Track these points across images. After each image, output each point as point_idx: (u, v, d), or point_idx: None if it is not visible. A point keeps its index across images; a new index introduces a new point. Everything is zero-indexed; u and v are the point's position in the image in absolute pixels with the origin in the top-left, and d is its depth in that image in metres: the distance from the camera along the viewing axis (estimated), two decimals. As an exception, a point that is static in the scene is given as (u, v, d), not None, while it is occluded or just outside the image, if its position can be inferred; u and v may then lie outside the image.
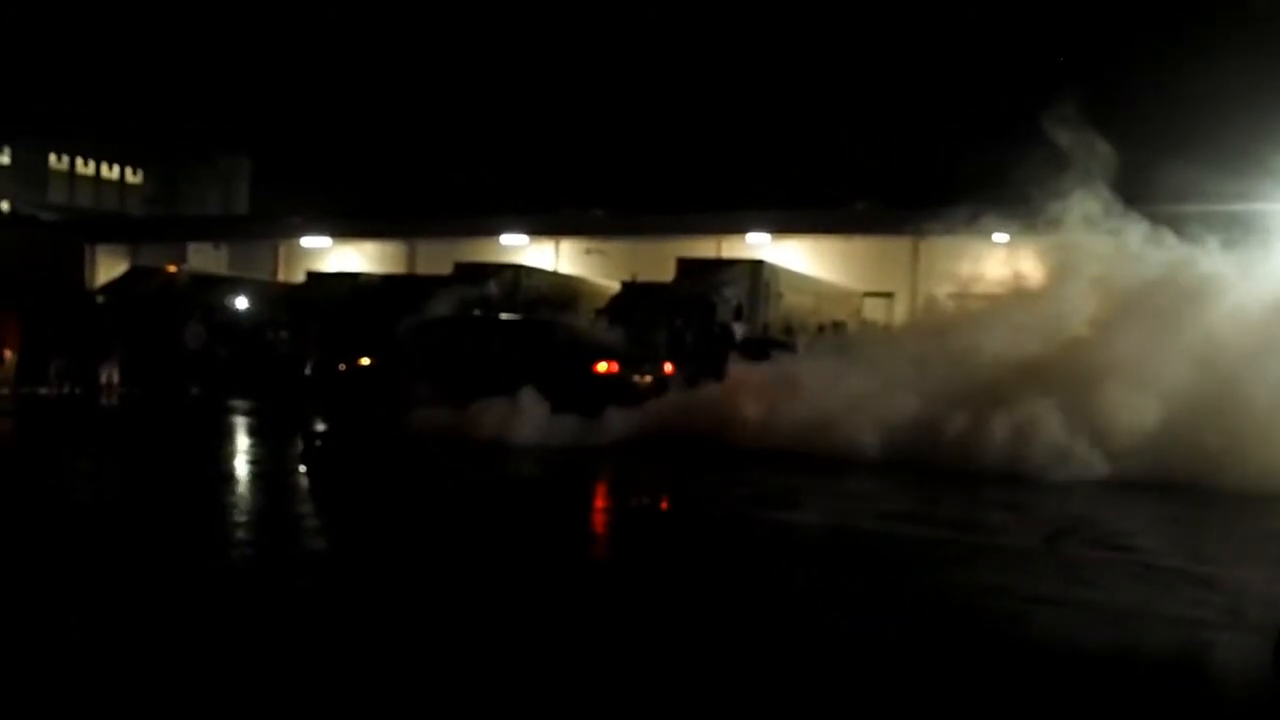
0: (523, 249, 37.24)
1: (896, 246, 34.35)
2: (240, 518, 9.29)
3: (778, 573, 7.52)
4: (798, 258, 33.92)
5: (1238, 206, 18.09)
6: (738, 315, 25.33)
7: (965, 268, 17.62)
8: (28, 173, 74.10)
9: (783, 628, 5.98)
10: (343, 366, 16.90)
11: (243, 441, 15.73)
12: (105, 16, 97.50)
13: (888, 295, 34.23)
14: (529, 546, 8.21)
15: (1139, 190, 15.86)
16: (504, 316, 21.04)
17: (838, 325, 25.01)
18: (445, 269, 30.06)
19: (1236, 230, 15.35)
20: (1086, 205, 14.88)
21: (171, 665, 5.01)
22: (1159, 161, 16.12)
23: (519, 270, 30.11)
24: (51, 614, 5.83)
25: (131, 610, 5.94)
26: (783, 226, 34.92)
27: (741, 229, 34.96)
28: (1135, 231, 15.04)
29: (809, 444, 13.66)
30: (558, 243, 38.22)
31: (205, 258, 40.88)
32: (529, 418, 14.44)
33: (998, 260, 17.21)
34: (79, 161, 78.45)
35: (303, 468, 13.16)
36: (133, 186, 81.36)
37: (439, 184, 58.54)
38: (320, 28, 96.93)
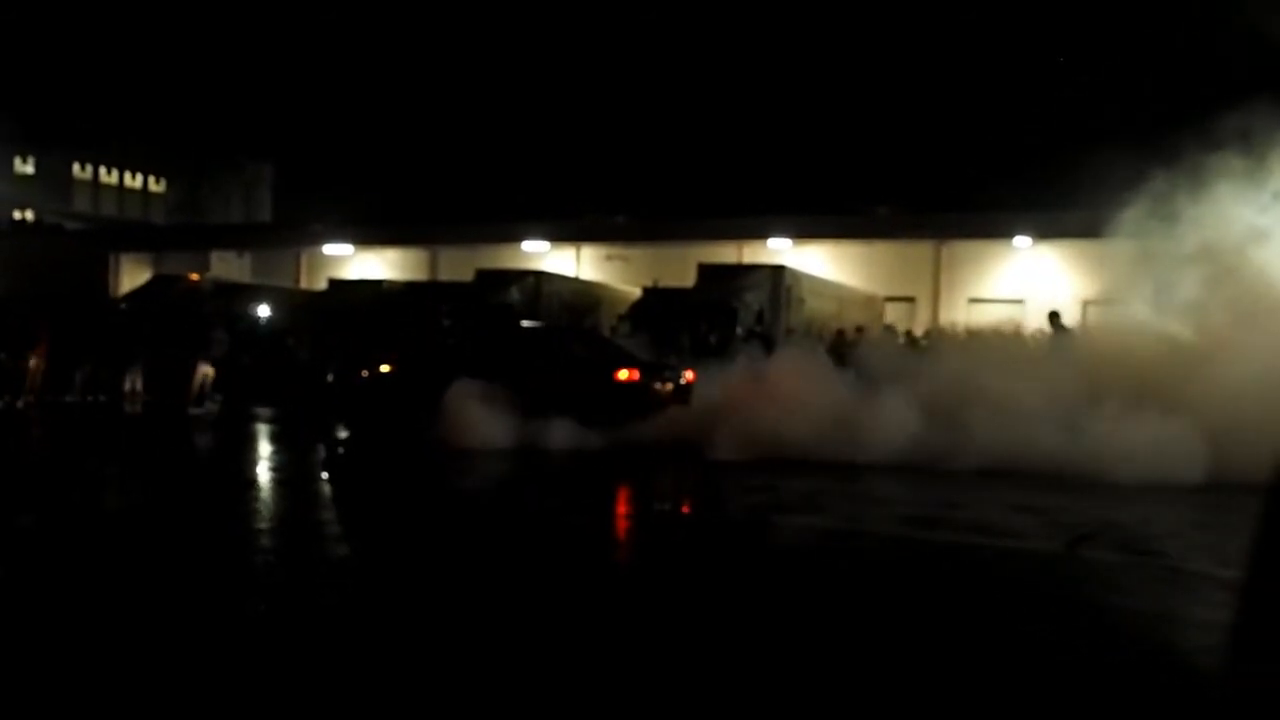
0: (544, 255, 37.31)
1: (919, 251, 34.29)
2: (264, 524, 9.33)
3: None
4: (819, 263, 33.85)
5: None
6: (759, 320, 25.27)
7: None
8: (52, 182, 74.70)
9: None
10: (365, 374, 16.92)
11: (266, 449, 15.81)
12: (128, 26, 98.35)
13: (910, 300, 34.17)
14: (558, 552, 8.22)
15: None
16: (524, 324, 21.04)
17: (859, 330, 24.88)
18: (467, 276, 30.16)
19: None
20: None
21: (199, 669, 5.04)
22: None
23: (540, 277, 30.16)
24: (81, 616, 5.87)
25: (154, 621, 5.97)
26: (804, 231, 34.86)
27: (763, 234, 34.92)
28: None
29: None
30: (579, 249, 38.28)
31: (228, 266, 41.11)
32: (550, 424, 14.48)
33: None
34: (103, 170, 79.08)
35: (325, 475, 13.23)
36: (156, 195, 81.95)
37: (461, 191, 58.82)
38: (342, 36, 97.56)
